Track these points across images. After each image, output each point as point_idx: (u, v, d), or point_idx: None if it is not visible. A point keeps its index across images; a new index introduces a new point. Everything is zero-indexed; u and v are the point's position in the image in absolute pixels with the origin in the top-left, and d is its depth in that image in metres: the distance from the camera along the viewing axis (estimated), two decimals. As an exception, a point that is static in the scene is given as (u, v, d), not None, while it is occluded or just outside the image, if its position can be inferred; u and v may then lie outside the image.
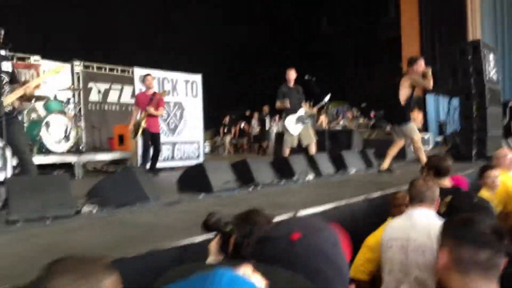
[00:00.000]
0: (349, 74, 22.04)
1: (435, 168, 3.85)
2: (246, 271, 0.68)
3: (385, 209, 3.86)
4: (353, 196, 4.76)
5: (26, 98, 4.78)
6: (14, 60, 4.80)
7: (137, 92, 8.95)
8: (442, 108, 16.47)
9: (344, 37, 22.02)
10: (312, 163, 7.11)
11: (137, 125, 7.91)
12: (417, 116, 12.14)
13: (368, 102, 15.69)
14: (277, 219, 1.80)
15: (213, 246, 1.89)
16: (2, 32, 4.48)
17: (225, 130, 18.02)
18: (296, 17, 22.40)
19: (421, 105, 14.82)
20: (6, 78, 4.54)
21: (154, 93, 8.23)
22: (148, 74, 8.47)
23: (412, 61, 6.87)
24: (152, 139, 8.12)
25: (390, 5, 20.74)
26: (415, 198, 2.92)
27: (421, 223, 2.74)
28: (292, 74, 8.32)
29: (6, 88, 4.52)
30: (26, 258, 2.74)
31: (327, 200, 4.48)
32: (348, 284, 0.92)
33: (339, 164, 7.56)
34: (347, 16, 22.26)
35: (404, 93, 6.83)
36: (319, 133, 9.38)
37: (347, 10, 22.19)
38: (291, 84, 8.33)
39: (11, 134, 4.49)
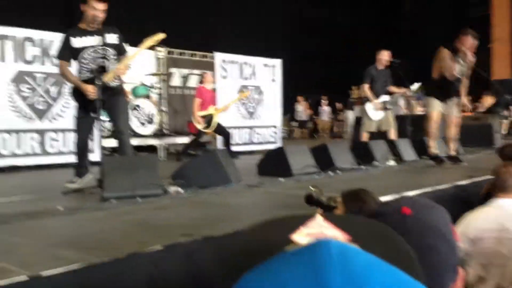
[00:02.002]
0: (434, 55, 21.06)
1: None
2: (322, 225, 0.60)
3: (475, 197, 3.68)
4: (439, 183, 4.58)
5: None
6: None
7: (218, 77, 9.16)
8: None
9: (430, 16, 20.99)
10: (393, 148, 6.91)
11: (210, 118, 8.11)
12: None
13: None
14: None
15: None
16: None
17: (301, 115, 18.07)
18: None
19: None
20: (111, 51, 4.50)
21: (214, 89, 8.42)
22: (208, 72, 8.63)
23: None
24: (217, 128, 8.32)
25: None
26: (502, 188, 2.76)
27: None
28: (384, 56, 7.85)
29: (113, 62, 4.49)
30: (121, 232, 2.91)
31: (411, 187, 4.35)
32: (458, 267, 0.89)
33: (422, 151, 7.29)
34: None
35: None
36: (400, 118, 9.07)
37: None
38: (381, 66, 7.91)
39: (115, 114, 4.58)
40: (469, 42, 5.94)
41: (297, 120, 18.84)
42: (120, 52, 4.58)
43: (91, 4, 4.32)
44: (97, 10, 4.33)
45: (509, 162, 3.47)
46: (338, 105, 18.67)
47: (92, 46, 4.41)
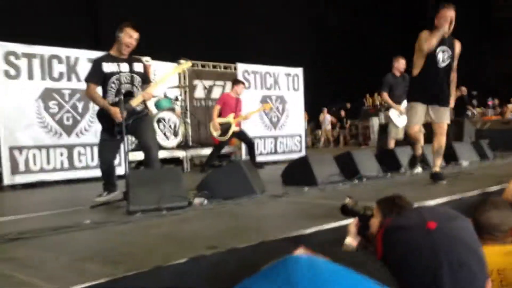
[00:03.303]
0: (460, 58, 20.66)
1: None
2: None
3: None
4: (468, 189, 4.48)
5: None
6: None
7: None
8: None
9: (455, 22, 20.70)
10: (420, 155, 6.79)
11: (226, 127, 8.02)
12: None
13: (479, 91, 14.66)
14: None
15: (352, 227, 2.00)
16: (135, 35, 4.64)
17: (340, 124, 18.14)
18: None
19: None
20: (138, 78, 4.71)
21: (239, 99, 8.31)
22: (242, 82, 8.52)
23: None
24: (241, 137, 8.28)
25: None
26: None
27: None
28: (401, 63, 7.84)
29: (139, 88, 4.70)
30: (146, 245, 2.93)
31: (439, 194, 4.27)
32: (487, 281, 0.86)
33: (450, 157, 7.16)
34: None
35: None
36: (426, 124, 8.92)
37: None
38: (398, 73, 7.89)
39: (140, 131, 4.71)
40: (445, 14, 5.04)
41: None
42: (145, 80, 4.79)
43: (128, 32, 4.58)
44: (132, 38, 4.59)
45: None
46: (342, 113, 18.57)
47: (121, 72, 4.60)
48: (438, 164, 5.35)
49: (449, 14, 5.04)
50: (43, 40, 7.08)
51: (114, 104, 4.54)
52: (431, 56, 5.11)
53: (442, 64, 5.16)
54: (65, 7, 13.22)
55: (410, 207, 1.84)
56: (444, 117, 5.31)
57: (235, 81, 8.43)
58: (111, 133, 4.62)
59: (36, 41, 6.94)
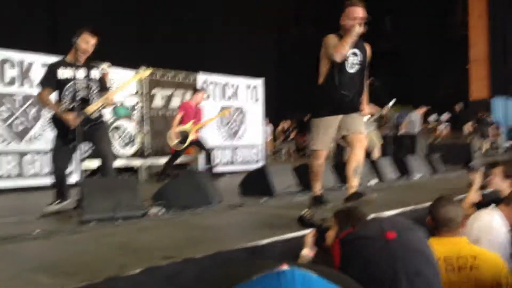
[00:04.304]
0: (414, 75, 21.30)
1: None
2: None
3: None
4: (419, 202, 4.61)
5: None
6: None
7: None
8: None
9: (409, 37, 21.38)
10: (374, 167, 6.97)
11: (185, 135, 7.96)
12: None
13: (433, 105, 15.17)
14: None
15: (309, 239, 2.02)
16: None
17: (285, 135, 18.10)
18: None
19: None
20: (94, 86, 4.60)
21: (198, 108, 8.28)
22: (202, 91, 8.46)
23: None
24: (199, 145, 8.25)
25: (458, 4, 20.05)
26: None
27: None
28: None
29: (95, 95, 4.59)
30: (100, 255, 2.85)
31: (392, 206, 4.37)
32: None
33: (403, 169, 7.37)
34: (412, 16, 21.60)
35: None
36: (383, 137, 9.17)
37: (411, 10, 21.55)
38: None
39: (96, 139, 4.60)
40: (353, 12, 4.23)
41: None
42: (102, 87, 4.69)
43: (85, 37, 4.46)
44: (89, 44, 4.48)
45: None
46: (284, 125, 18.73)
47: (77, 79, 4.49)
48: (355, 184, 4.26)
49: (359, 12, 4.21)
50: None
51: (68, 111, 4.43)
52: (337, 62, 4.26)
53: (351, 70, 4.33)
54: (21, 7, 12.82)
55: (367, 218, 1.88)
56: (360, 125, 4.44)
57: (195, 90, 8.39)
58: (65, 139, 4.49)
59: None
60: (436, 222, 2.30)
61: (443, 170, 8.19)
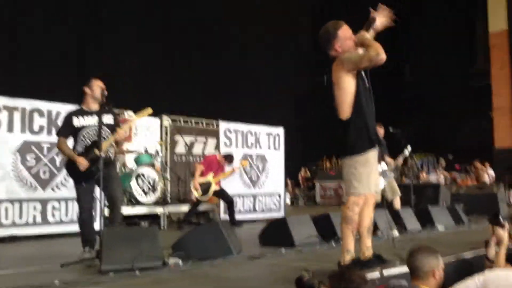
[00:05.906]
0: (436, 124, 21.19)
1: None
2: None
3: (479, 270, 3.60)
4: (443, 255, 4.49)
5: (119, 150, 5.00)
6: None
7: (221, 145, 9.30)
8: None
9: (430, 86, 21.45)
10: (396, 218, 6.86)
11: (207, 187, 8.13)
12: None
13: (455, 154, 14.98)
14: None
15: None
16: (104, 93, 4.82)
17: (306, 182, 18.10)
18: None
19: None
20: (107, 130, 4.77)
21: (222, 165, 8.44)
22: (231, 160, 8.50)
23: None
24: (221, 195, 8.35)
25: (479, 54, 20.14)
26: None
27: None
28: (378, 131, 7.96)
29: (108, 138, 4.75)
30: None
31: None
32: None
33: (426, 220, 7.23)
34: (432, 65, 21.72)
35: None
36: (403, 187, 9.05)
37: (432, 59, 21.69)
38: None
39: (107, 183, 4.66)
40: (346, 31, 3.76)
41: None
42: (114, 129, 4.89)
43: (91, 85, 4.84)
44: (95, 91, 4.81)
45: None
46: (305, 174, 18.79)
47: (90, 126, 4.78)
48: (369, 245, 3.92)
49: (349, 29, 3.77)
50: (26, 93, 7.12)
51: (81, 154, 4.69)
52: (360, 86, 3.83)
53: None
54: (52, 60, 13.36)
55: (363, 280, 1.87)
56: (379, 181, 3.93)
57: (227, 157, 8.50)
58: (80, 182, 4.74)
59: (19, 94, 6.97)
60: (410, 271, 2.58)
61: (467, 221, 8.01)
